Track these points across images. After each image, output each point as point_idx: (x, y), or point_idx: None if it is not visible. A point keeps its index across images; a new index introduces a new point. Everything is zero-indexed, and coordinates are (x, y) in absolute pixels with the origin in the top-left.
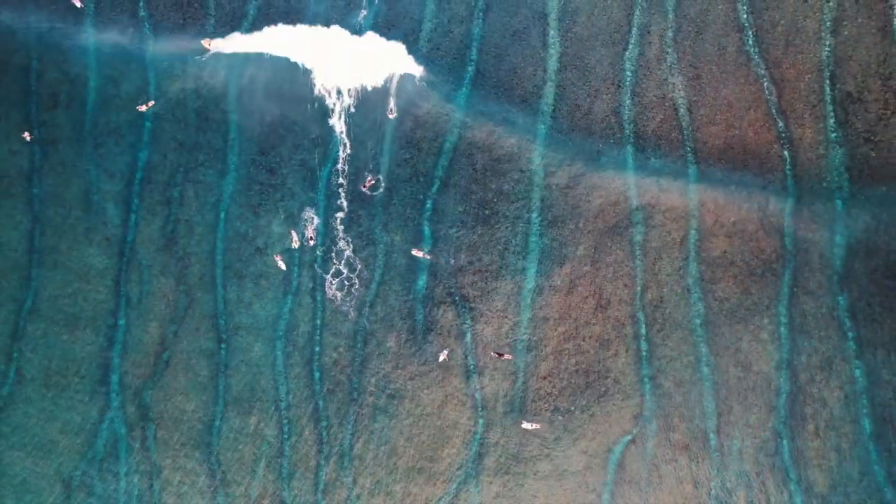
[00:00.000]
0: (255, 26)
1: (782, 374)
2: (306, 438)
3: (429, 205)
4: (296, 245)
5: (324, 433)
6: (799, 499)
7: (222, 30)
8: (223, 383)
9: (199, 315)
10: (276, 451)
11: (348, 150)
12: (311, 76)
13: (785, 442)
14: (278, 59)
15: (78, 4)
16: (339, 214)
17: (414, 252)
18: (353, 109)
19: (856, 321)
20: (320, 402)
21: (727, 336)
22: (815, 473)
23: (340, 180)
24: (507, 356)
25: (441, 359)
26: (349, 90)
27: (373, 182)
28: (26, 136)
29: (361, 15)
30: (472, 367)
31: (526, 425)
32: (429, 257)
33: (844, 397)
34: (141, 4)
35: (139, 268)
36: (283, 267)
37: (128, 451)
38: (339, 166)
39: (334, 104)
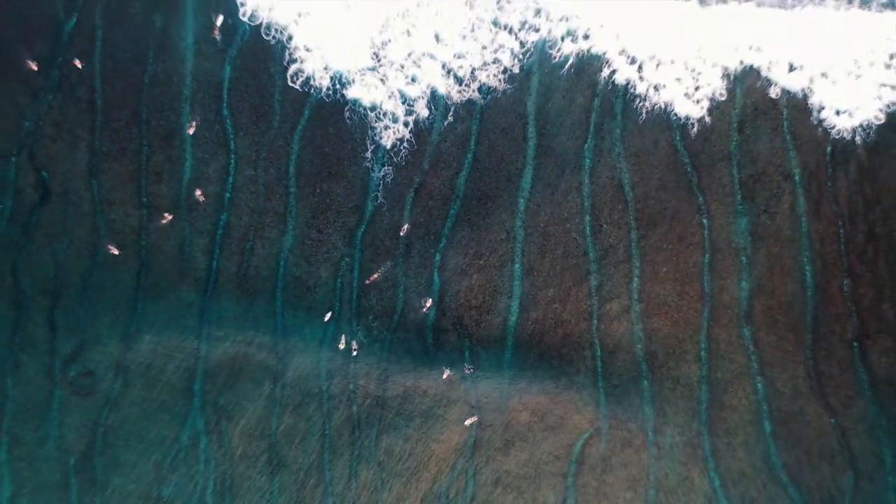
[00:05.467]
0: (311, 125)
1: (703, 386)
2: (342, 433)
3: (437, 258)
4: (342, 347)
5: (356, 430)
6: (717, 482)
7: (285, 125)
8: (279, 390)
9: (262, 336)
10: (319, 443)
11: (382, 216)
12: (359, 156)
13: (706, 439)
14: (332, 143)
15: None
16: (373, 265)
17: (426, 305)
18: (388, 179)
19: (757, 346)
20: (354, 408)
21: (661, 358)
22: (728, 463)
23: (372, 239)
24: (468, 370)
25: (444, 376)
26: (386, 168)
27: (375, 278)
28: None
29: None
30: (469, 379)
31: (467, 422)
32: (431, 307)
33: (749, 404)
34: (224, 105)
35: (218, 301)
36: (327, 319)
37: (206, 441)
38: (372, 228)
39: (373, 177)
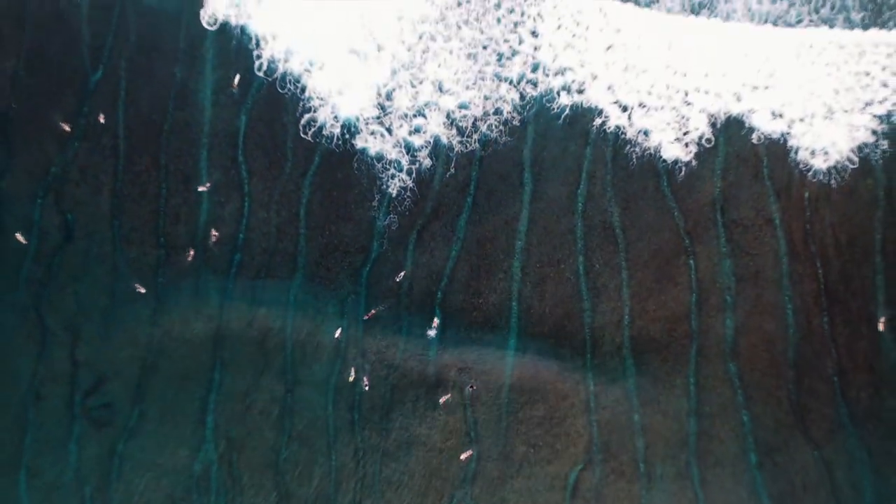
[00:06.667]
0: (321, 170)
1: (691, 419)
2: (347, 463)
3: (439, 295)
4: (352, 379)
5: (360, 459)
6: None
7: (297, 171)
8: (288, 423)
9: (273, 372)
10: (325, 471)
11: (386, 257)
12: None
13: (694, 469)
14: (340, 188)
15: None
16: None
17: (431, 330)
18: (393, 226)
19: (742, 381)
20: (358, 437)
21: (651, 392)
22: (716, 493)
23: (378, 277)
24: (473, 386)
25: (442, 401)
26: (391, 217)
27: (374, 314)
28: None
29: None
30: (469, 412)
31: (463, 456)
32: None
33: (736, 436)
34: (240, 151)
35: (231, 337)
36: (337, 335)
37: (217, 472)
38: (377, 267)
39: (379, 225)
